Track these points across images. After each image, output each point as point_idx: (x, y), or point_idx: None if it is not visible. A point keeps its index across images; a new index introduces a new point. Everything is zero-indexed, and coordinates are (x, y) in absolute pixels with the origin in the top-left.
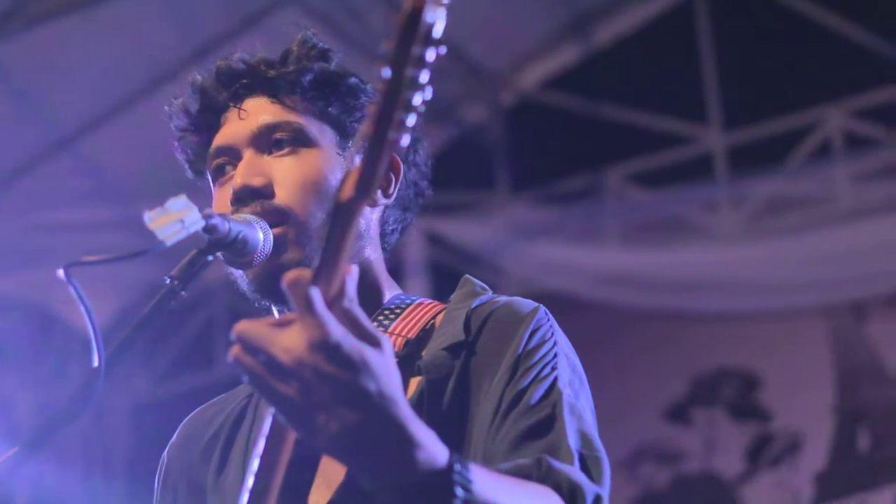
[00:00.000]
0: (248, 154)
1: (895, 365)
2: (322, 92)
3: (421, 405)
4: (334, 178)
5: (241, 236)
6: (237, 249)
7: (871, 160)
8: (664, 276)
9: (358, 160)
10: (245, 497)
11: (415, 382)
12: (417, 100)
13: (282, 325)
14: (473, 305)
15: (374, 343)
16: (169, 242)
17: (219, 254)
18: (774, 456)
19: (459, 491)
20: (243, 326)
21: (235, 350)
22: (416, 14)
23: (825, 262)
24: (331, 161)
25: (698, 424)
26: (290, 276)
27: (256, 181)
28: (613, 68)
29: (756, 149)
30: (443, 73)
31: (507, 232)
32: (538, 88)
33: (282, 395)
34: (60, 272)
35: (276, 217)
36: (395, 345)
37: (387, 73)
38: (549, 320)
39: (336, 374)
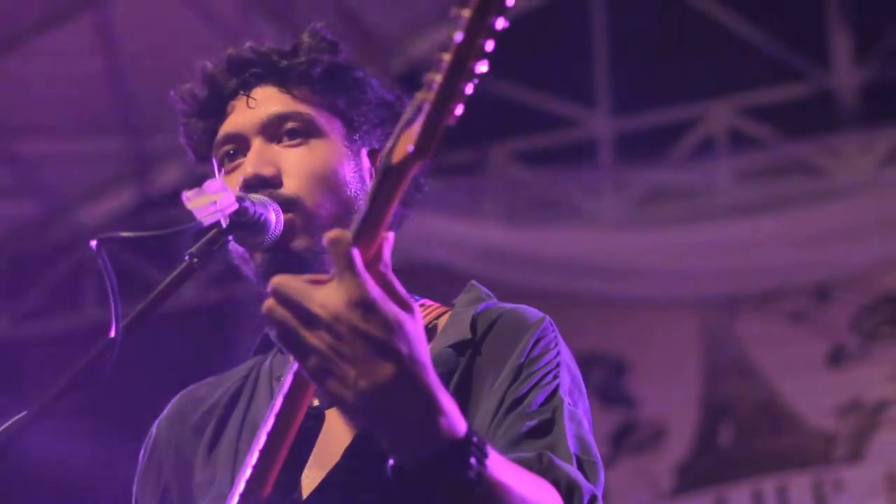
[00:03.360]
0: (257, 143)
1: (760, 360)
2: (331, 84)
3: None
4: (342, 169)
5: (262, 218)
6: (254, 231)
7: (754, 158)
8: (543, 256)
9: (372, 142)
10: (248, 472)
11: None
12: (480, 69)
13: (317, 282)
14: (480, 309)
15: (408, 309)
16: (206, 222)
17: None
18: (637, 443)
19: (474, 462)
20: (280, 279)
21: (269, 303)
22: None
23: (701, 255)
24: (339, 153)
25: None
26: (331, 234)
27: (267, 170)
28: (507, 45)
29: (642, 137)
30: (335, 35)
31: None
32: (429, 57)
33: (314, 347)
34: (94, 243)
35: (285, 206)
36: None
37: (459, 38)
38: (553, 330)
39: (371, 332)
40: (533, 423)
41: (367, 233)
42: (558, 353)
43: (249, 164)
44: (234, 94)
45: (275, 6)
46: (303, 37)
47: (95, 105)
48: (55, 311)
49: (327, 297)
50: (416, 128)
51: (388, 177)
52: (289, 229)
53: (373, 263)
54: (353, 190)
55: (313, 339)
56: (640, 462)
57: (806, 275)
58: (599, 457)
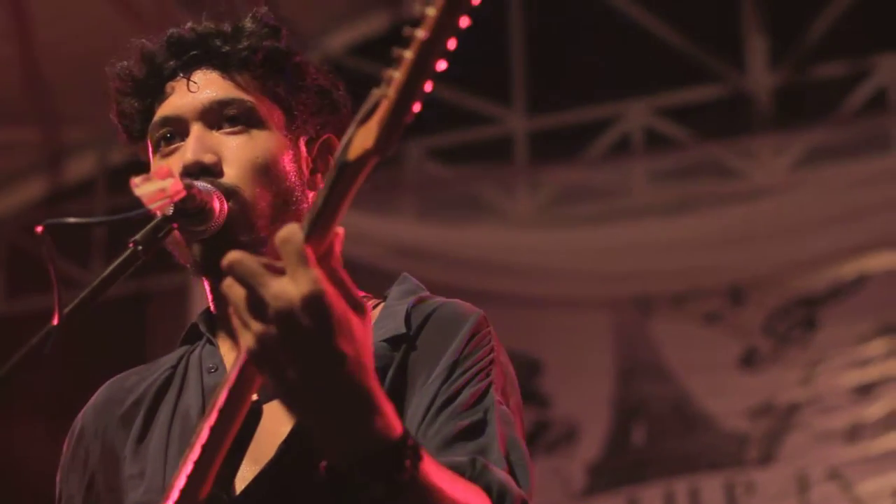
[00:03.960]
0: (196, 128)
1: (673, 362)
2: (272, 71)
3: None
4: (282, 159)
5: (207, 206)
6: (199, 219)
7: (669, 159)
8: (456, 254)
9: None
10: (189, 466)
11: None
12: (441, 67)
13: (272, 269)
14: (413, 303)
15: (359, 309)
16: (154, 208)
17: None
18: (550, 442)
19: (408, 464)
20: (238, 256)
21: (228, 281)
22: None
23: (615, 254)
24: (279, 142)
25: None
26: (284, 232)
27: (207, 158)
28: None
29: (557, 136)
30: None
31: None
32: (344, 53)
33: (262, 335)
34: (39, 229)
35: (225, 195)
36: None
37: (423, 35)
38: (487, 326)
39: (319, 332)
40: (465, 423)
41: (320, 229)
42: (491, 350)
43: (189, 151)
44: (173, 75)
45: None
46: (245, 20)
47: (7, 94)
48: None
49: (282, 289)
50: (375, 125)
51: (345, 173)
52: (229, 219)
53: (324, 259)
54: (291, 180)
55: (262, 327)
56: (552, 461)
57: (720, 276)
58: (529, 457)
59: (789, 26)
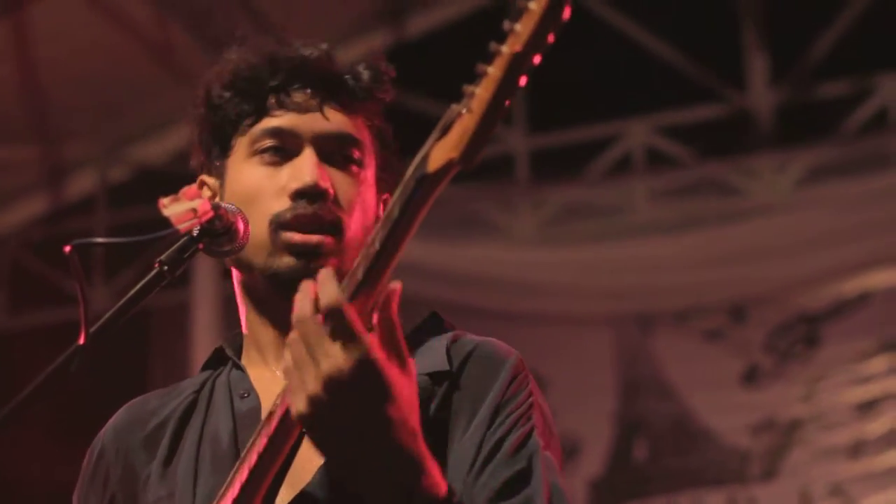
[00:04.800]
0: (311, 153)
1: (675, 378)
2: (381, 122)
3: None
4: (375, 208)
5: (233, 227)
6: (224, 240)
7: (670, 177)
8: (458, 271)
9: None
10: (236, 490)
11: None
12: (536, 62)
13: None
14: (451, 340)
15: (408, 371)
16: (182, 229)
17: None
18: None
19: None
20: (304, 317)
21: (293, 335)
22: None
23: (616, 272)
24: (374, 190)
25: None
26: (330, 300)
27: (327, 185)
28: (422, 60)
29: (558, 155)
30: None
31: None
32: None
33: (313, 398)
34: (67, 248)
35: (331, 227)
36: None
37: (516, 48)
38: (525, 369)
39: (368, 401)
40: (510, 473)
41: (390, 248)
42: (531, 393)
43: (310, 174)
44: (291, 89)
45: (191, 17)
46: (365, 64)
47: (7, 112)
48: None
49: (336, 354)
50: (458, 137)
51: (423, 185)
52: (319, 250)
53: (384, 310)
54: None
55: (313, 390)
56: None
57: (721, 293)
58: (567, 500)
59: (790, 45)
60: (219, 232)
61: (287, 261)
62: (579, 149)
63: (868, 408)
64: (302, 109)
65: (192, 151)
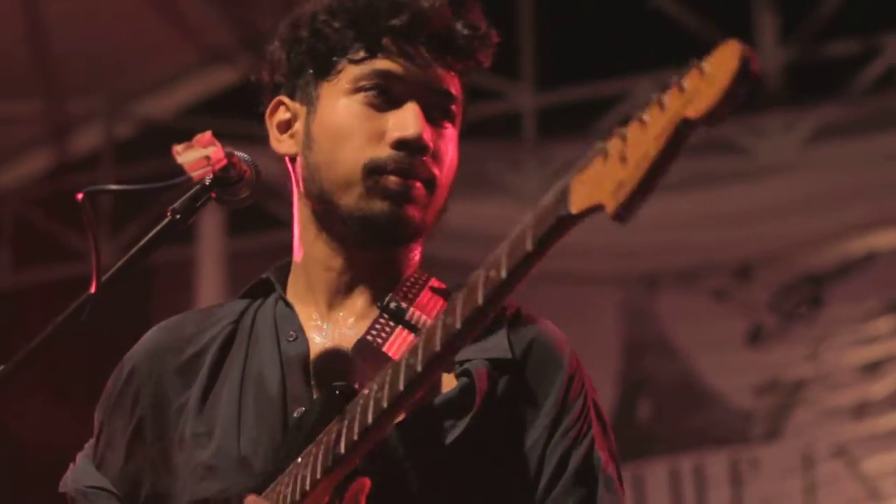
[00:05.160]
0: (416, 106)
1: (680, 338)
2: (469, 81)
3: (464, 405)
4: (457, 161)
5: (246, 175)
6: (237, 188)
7: None
8: (464, 229)
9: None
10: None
11: (450, 379)
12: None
13: None
14: (509, 319)
15: None
16: (196, 176)
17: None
18: None
19: None
20: None
21: None
22: (745, 68)
23: (622, 230)
24: (457, 143)
25: None
26: None
27: (430, 142)
28: None
29: (566, 112)
30: (260, 0)
31: None
32: None
33: None
34: (80, 196)
35: (426, 181)
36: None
37: (690, 113)
38: (578, 363)
39: None
40: (576, 498)
41: (515, 278)
42: (587, 394)
43: (414, 126)
44: (409, 38)
45: None
46: (474, 23)
47: (13, 67)
48: None
49: None
50: (610, 185)
51: (564, 224)
52: (417, 197)
53: None
54: None
55: None
56: None
57: (727, 253)
58: None
59: (799, 3)
60: (232, 180)
61: (381, 205)
62: (587, 106)
63: (872, 369)
64: (415, 59)
65: (267, 72)
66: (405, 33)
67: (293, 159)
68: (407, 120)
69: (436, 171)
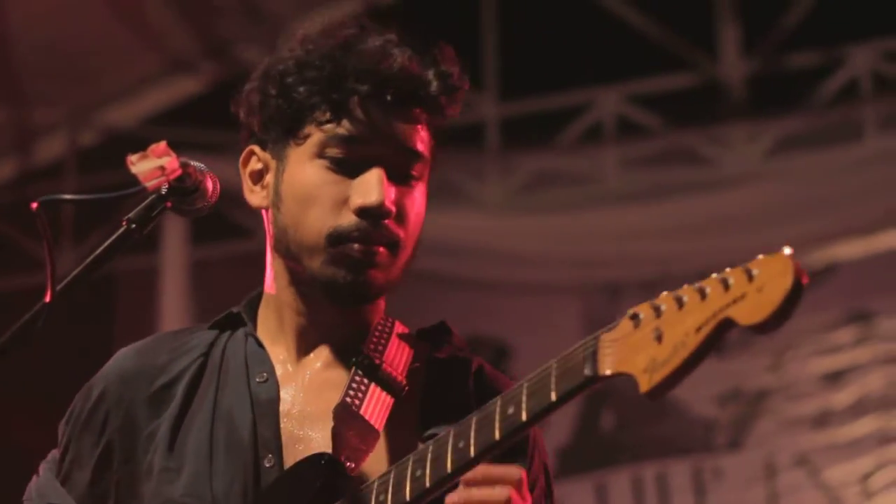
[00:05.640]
0: (380, 171)
1: None
2: (442, 133)
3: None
4: (424, 213)
5: (202, 186)
6: (193, 198)
7: (641, 146)
8: (426, 238)
9: None
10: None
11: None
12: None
13: None
14: (475, 379)
15: None
16: (150, 186)
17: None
18: None
19: None
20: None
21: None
22: (798, 285)
23: (585, 241)
24: (425, 196)
25: None
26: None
27: (392, 206)
28: (394, 25)
29: (529, 123)
30: (224, 10)
31: None
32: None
33: None
34: (34, 205)
35: (392, 245)
36: (402, 375)
37: (731, 315)
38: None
39: None
40: None
41: (535, 420)
42: (542, 452)
43: (377, 193)
44: (373, 101)
45: None
46: (443, 75)
47: None
48: None
49: None
50: (642, 360)
51: (591, 383)
52: (373, 259)
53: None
54: None
55: None
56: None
57: (690, 263)
58: None
59: (762, 15)
60: (188, 190)
61: (344, 273)
62: (550, 117)
63: (834, 378)
64: (380, 122)
65: (242, 113)
66: (371, 96)
67: (266, 212)
68: (370, 187)
69: (400, 232)
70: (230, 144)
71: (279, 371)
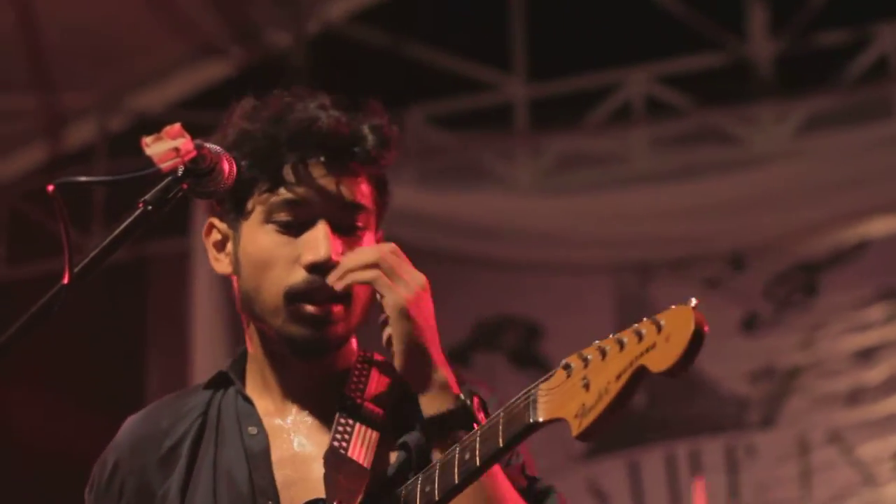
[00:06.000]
0: (324, 226)
1: None
2: (382, 180)
3: (405, 478)
4: None
5: (217, 167)
6: (209, 180)
7: (670, 126)
8: (456, 220)
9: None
10: None
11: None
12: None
13: None
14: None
15: None
16: (164, 168)
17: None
18: None
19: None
20: (386, 247)
21: (384, 250)
22: (699, 333)
23: (615, 221)
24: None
25: (479, 369)
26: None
27: (339, 258)
28: (423, 7)
29: (558, 103)
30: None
31: None
32: (345, 20)
33: (412, 284)
34: (50, 188)
35: (342, 296)
36: (384, 407)
37: (652, 363)
38: None
39: (430, 303)
40: None
41: (485, 466)
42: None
43: (323, 248)
44: (303, 157)
45: None
46: (374, 129)
47: (7, 61)
48: None
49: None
50: (574, 406)
51: (531, 430)
52: (329, 318)
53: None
54: None
55: (413, 280)
56: (553, 425)
57: (720, 242)
58: None
59: None
60: (204, 172)
61: (302, 331)
62: (579, 97)
63: (866, 355)
64: (316, 182)
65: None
66: (305, 160)
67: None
68: (317, 242)
69: None
70: None
71: (269, 423)
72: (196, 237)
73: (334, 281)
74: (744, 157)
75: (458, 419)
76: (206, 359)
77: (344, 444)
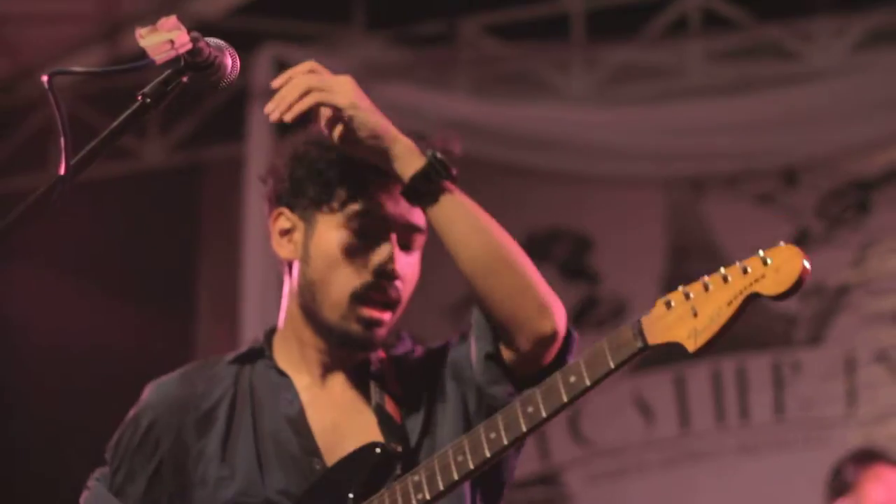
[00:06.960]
0: (395, 241)
1: (725, 241)
2: None
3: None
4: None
5: (217, 60)
6: (209, 73)
7: (726, 40)
8: (511, 130)
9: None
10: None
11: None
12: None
13: None
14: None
15: None
16: (158, 60)
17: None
18: (599, 319)
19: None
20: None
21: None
22: (805, 271)
23: (669, 134)
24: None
25: None
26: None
27: (402, 270)
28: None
29: (615, 15)
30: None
31: (358, 69)
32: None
33: (346, 89)
34: (45, 78)
35: (395, 304)
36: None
37: (759, 288)
38: None
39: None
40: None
41: (574, 399)
42: None
43: (392, 260)
44: (391, 180)
45: None
46: (441, 156)
47: None
48: (23, 169)
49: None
50: (684, 329)
51: (641, 353)
52: (377, 323)
53: None
54: None
55: (346, 84)
56: (600, 337)
57: (774, 158)
58: None
59: None
60: (203, 65)
61: (358, 329)
62: (636, 9)
63: None
64: (394, 202)
65: (271, 181)
66: (388, 180)
67: (290, 262)
68: (387, 254)
69: (403, 293)
70: (318, 35)
71: (306, 395)
72: (252, 142)
73: (276, 114)
74: (800, 73)
75: (437, 168)
76: (256, 265)
77: (383, 405)
